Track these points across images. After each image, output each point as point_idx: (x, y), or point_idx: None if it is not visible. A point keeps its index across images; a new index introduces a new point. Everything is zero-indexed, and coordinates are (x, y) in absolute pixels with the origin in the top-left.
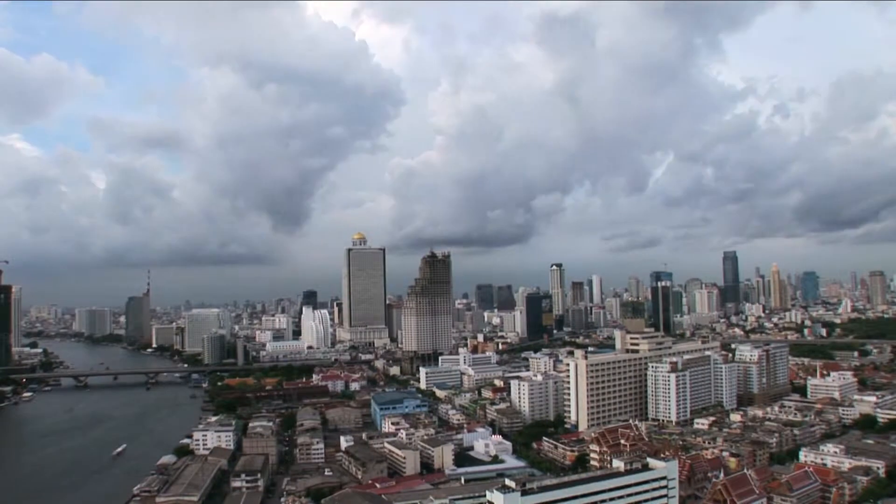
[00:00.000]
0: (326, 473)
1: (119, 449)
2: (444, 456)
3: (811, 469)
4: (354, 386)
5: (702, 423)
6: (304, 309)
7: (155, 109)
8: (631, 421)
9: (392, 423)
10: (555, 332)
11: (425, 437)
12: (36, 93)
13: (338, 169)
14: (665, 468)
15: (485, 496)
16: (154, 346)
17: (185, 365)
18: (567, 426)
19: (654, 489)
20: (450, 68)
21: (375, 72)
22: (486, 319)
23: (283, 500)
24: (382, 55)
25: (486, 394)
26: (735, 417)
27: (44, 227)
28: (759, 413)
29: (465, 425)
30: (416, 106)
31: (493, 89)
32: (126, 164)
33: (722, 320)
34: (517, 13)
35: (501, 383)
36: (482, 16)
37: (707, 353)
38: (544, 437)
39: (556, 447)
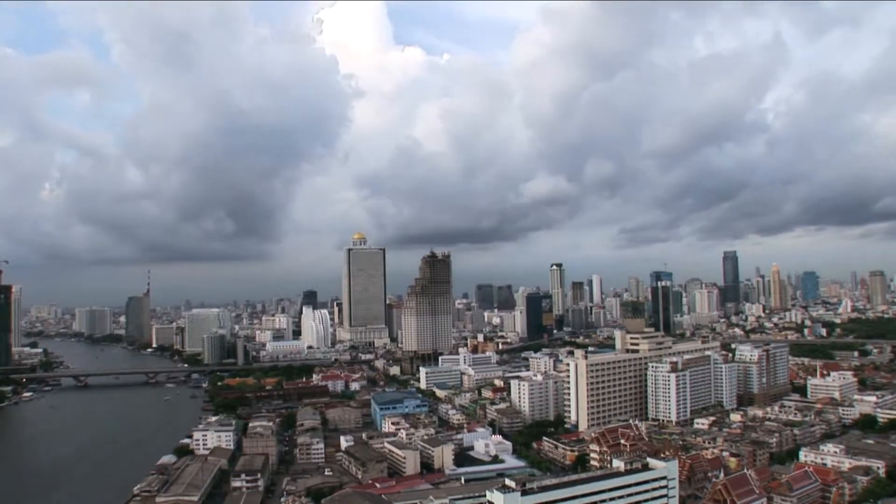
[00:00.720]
0: (326, 473)
1: None
2: (444, 456)
3: (811, 469)
4: (354, 386)
5: (702, 423)
6: (304, 309)
7: (118, 105)
8: (631, 421)
9: (392, 423)
10: (555, 332)
11: (425, 437)
12: None
13: (315, 169)
14: (665, 468)
15: (485, 496)
16: (154, 345)
17: (185, 365)
18: (567, 426)
19: (654, 489)
20: (425, 70)
21: (341, 76)
22: (486, 319)
23: (283, 499)
24: (352, 58)
25: (486, 394)
26: (735, 417)
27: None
28: (759, 413)
29: (465, 425)
30: (397, 107)
31: (471, 89)
32: (91, 161)
33: (722, 320)
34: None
35: (501, 383)
36: (457, 18)
37: (707, 353)
38: (544, 437)
39: (556, 447)
